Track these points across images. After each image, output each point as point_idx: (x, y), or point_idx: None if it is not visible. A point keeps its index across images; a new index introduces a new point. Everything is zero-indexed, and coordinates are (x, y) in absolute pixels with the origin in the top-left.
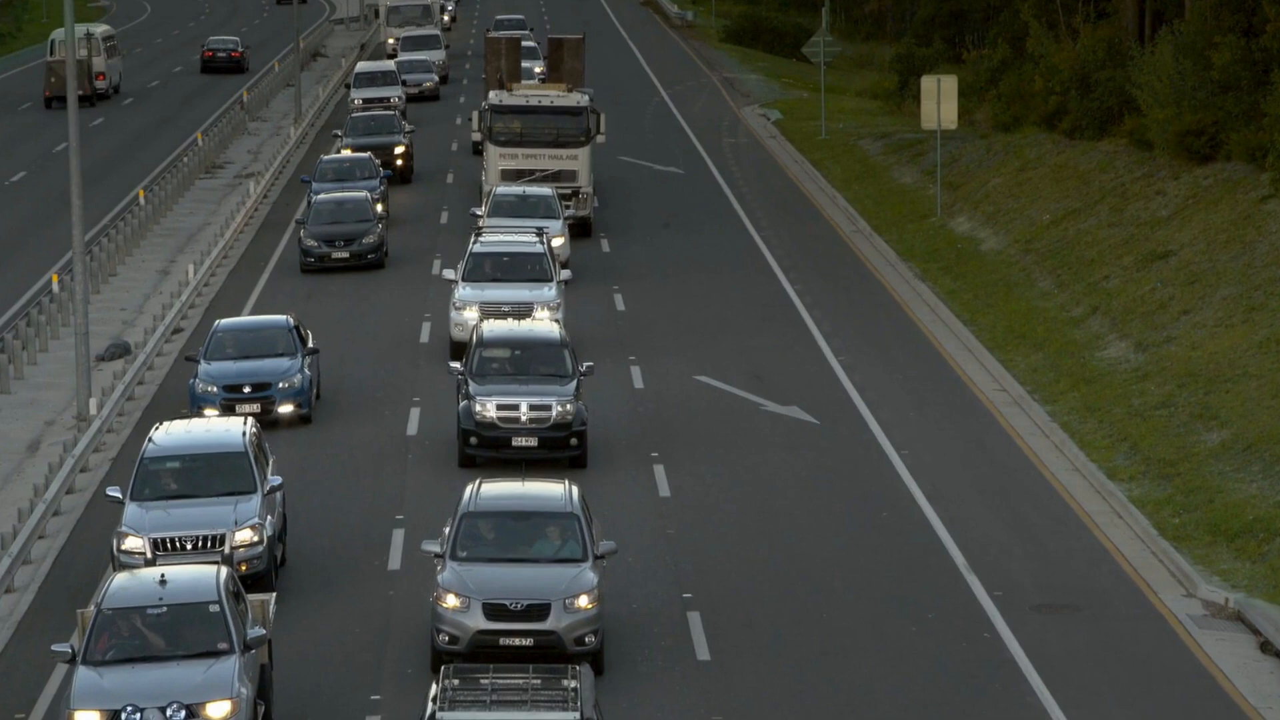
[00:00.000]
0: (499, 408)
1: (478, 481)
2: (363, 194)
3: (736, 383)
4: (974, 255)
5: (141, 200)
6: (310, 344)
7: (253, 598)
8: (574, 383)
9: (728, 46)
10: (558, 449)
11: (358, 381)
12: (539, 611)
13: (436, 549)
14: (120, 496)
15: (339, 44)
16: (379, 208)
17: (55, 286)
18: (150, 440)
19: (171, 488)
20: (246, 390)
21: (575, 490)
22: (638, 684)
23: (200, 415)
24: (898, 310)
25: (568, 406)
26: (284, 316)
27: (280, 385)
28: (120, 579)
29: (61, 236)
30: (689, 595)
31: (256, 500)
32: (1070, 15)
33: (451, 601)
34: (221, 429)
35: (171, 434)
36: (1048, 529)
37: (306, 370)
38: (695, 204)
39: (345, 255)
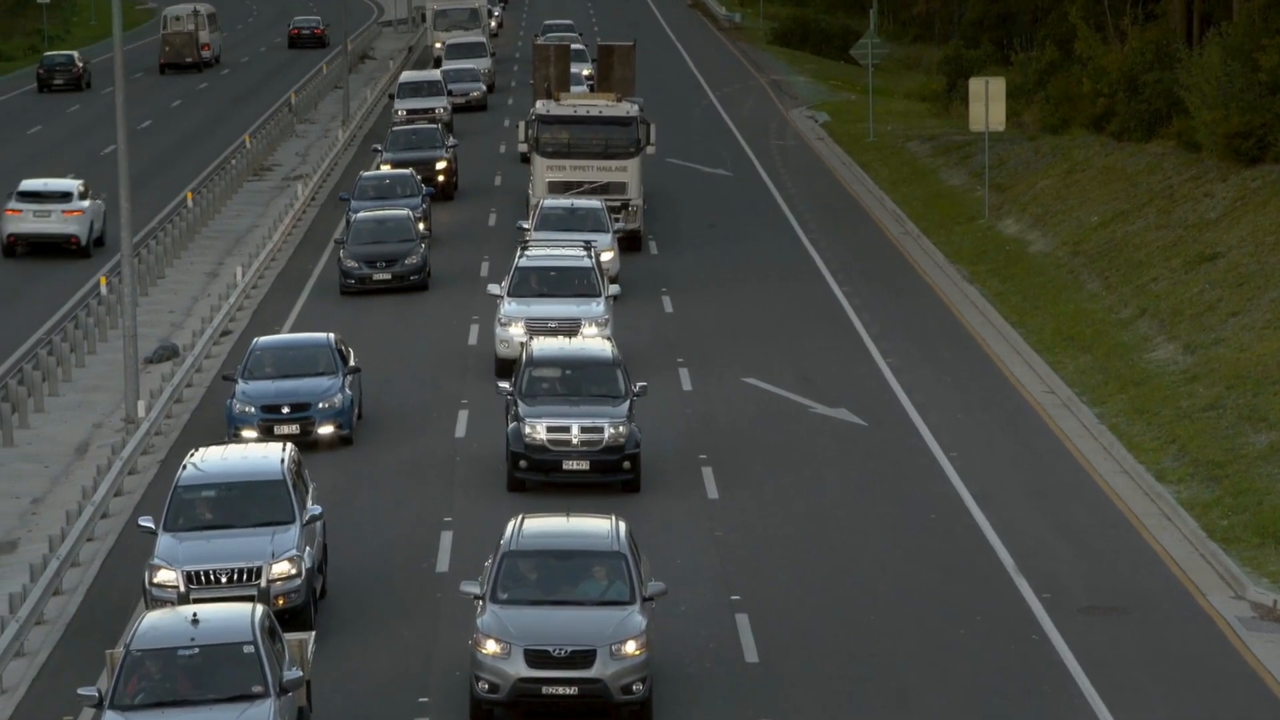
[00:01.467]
0: (549, 430)
1: (520, 518)
2: (405, 212)
3: (785, 385)
4: (1022, 257)
5: (190, 202)
6: (352, 362)
7: (290, 637)
8: (627, 403)
9: (775, 48)
10: (610, 473)
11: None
12: (584, 658)
13: (476, 590)
14: (152, 527)
15: (387, 46)
16: (421, 226)
17: (103, 289)
18: (184, 467)
19: (206, 518)
20: (285, 411)
21: (623, 527)
22: (686, 686)
23: (237, 437)
24: (946, 312)
25: (620, 428)
26: (325, 334)
27: (320, 405)
28: (150, 618)
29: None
30: (737, 597)
31: (295, 531)
32: (1118, 17)
33: (491, 647)
34: (259, 456)
35: (207, 461)
36: (1096, 531)
37: (348, 390)
38: (743, 206)
39: (387, 277)
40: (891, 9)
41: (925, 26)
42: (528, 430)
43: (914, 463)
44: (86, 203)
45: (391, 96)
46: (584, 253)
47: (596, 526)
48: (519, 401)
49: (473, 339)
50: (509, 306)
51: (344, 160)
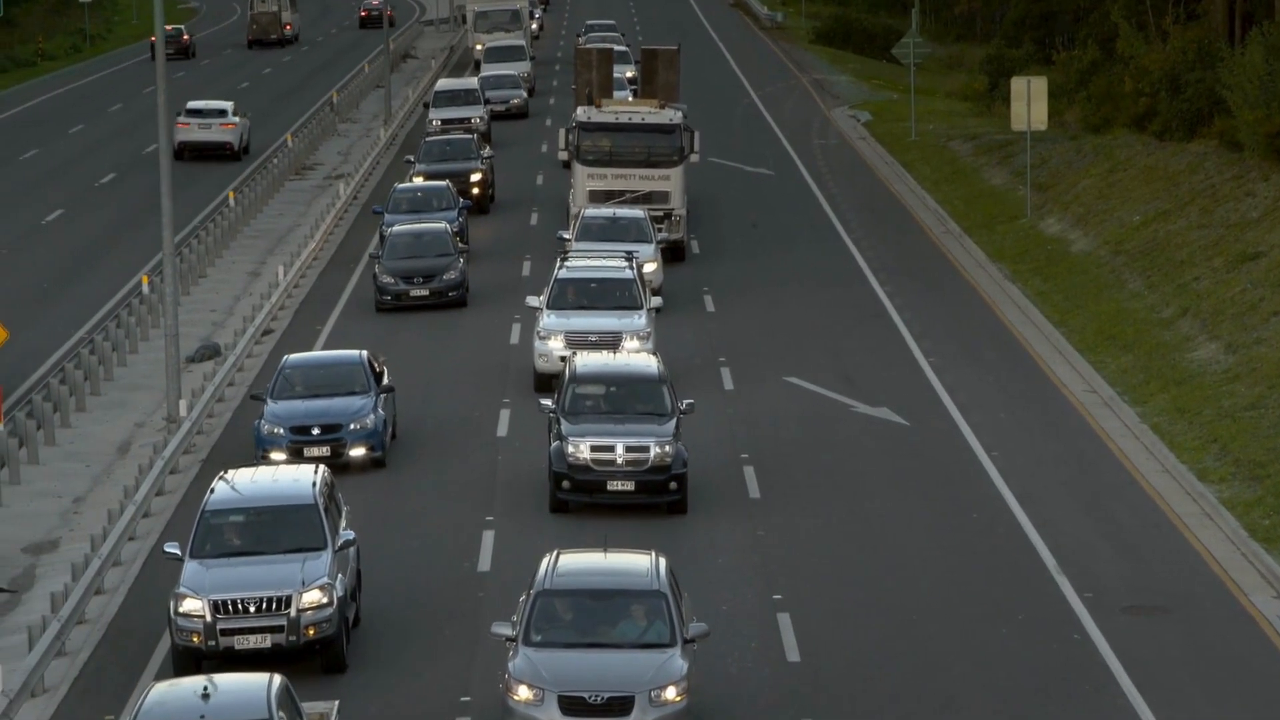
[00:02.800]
0: (593, 449)
1: (554, 553)
2: (442, 225)
3: (827, 384)
4: (1064, 257)
5: (231, 202)
6: (385, 381)
7: (310, 708)
8: (673, 421)
9: (817, 48)
10: (656, 494)
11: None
12: (621, 705)
13: (508, 632)
14: (178, 553)
15: (429, 45)
16: (459, 241)
17: (145, 288)
18: (212, 491)
19: (234, 544)
20: (315, 432)
21: (663, 563)
22: (728, 685)
23: (265, 459)
24: (988, 311)
25: (667, 448)
26: (357, 351)
27: (352, 426)
28: (157, 692)
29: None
30: (779, 596)
31: (326, 558)
32: (1160, 17)
33: (523, 693)
34: (289, 479)
35: (235, 484)
36: (1138, 531)
37: (380, 410)
38: (785, 205)
39: (424, 293)
40: (933, 8)
41: (967, 26)
42: (570, 449)
43: (956, 462)
44: (237, 119)
45: (426, 105)
46: (625, 264)
47: (635, 563)
48: (562, 419)
49: (514, 338)
50: (548, 319)
51: (385, 159)
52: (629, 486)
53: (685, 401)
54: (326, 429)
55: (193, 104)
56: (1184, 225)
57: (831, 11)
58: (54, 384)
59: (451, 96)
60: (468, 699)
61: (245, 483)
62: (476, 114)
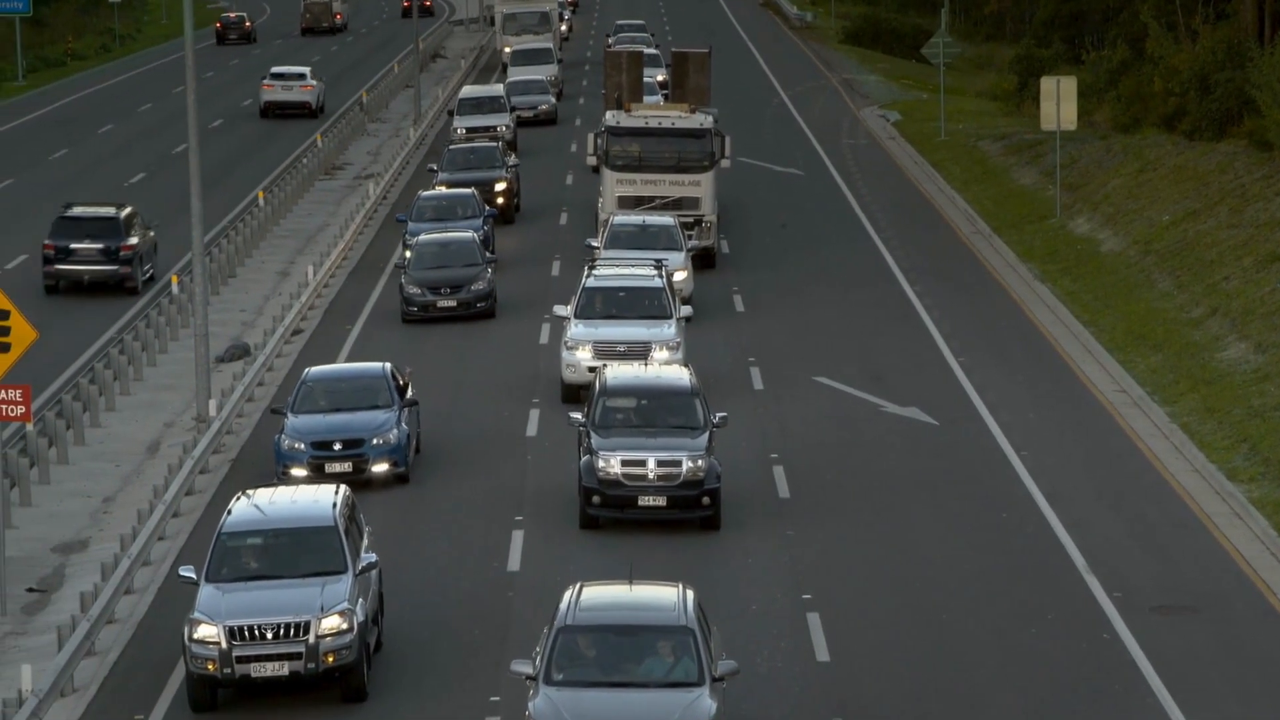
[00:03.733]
0: (624, 463)
1: (577, 586)
2: (470, 235)
3: (856, 384)
4: (1093, 256)
5: (261, 201)
6: (409, 394)
7: None
8: (706, 435)
9: (847, 48)
10: (689, 510)
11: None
12: None
13: (528, 670)
14: (194, 577)
15: (458, 45)
16: (489, 252)
17: (175, 288)
18: (228, 512)
19: (251, 567)
20: (337, 447)
21: (690, 597)
22: (757, 684)
23: (285, 475)
24: (1017, 311)
25: (699, 462)
26: (380, 364)
27: (374, 441)
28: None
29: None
30: (808, 596)
31: (347, 581)
32: (1189, 16)
33: None
34: (309, 500)
35: (253, 505)
36: (1167, 530)
37: (404, 425)
38: (814, 205)
39: (452, 304)
40: (963, 8)
41: (996, 25)
42: (601, 464)
43: (985, 462)
44: (314, 81)
45: (450, 113)
46: (654, 272)
47: (662, 597)
48: (592, 433)
49: (544, 338)
50: (576, 329)
51: (415, 159)
52: (661, 502)
53: (718, 414)
54: (348, 444)
55: (275, 69)
56: (1213, 225)
57: (861, 11)
58: (83, 384)
59: (476, 104)
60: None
61: (263, 504)
62: (502, 122)
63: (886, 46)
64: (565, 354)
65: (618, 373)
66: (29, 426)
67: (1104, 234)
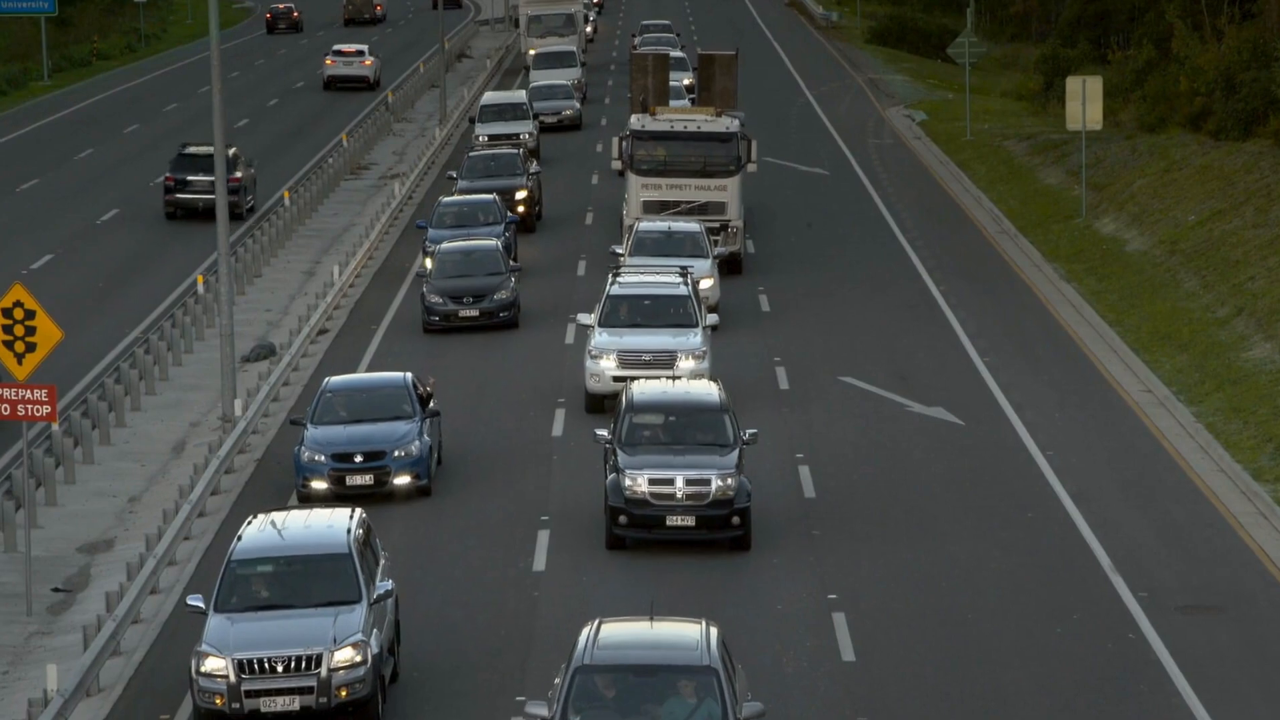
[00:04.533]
0: (651, 482)
1: (595, 624)
2: (493, 243)
3: (881, 383)
4: (1119, 256)
5: (287, 201)
6: (432, 404)
7: None
8: (736, 452)
9: (872, 47)
10: (718, 530)
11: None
12: None
13: (543, 712)
14: (202, 606)
15: (484, 45)
16: (512, 261)
17: (200, 288)
18: (238, 538)
19: (262, 596)
20: (358, 460)
21: (714, 634)
22: (783, 685)
23: (306, 487)
24: (1043, 311)
25: (729, 480)
26: (401, 374)
27: (396, 454)
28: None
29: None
30: (834, 596)
31: (360, 612)
32: (1215, 16)
33: None
34: (323, 525)
35: (264, 531)
36: (1193, 530)
37: (426, 436)
38: (840, 205)
39: (474, 313)
40: (989, 8)
41: (1022, 25)
42: (627, 482)
43: (1010, 461)
44: (372, 58)
45: (472, 120)
46: (680, 280)
47: (684, 635)
48: (618, 450)
49: (569, 338)
50: (600, 338)
51: (441, 159)
52: (689, 522)
53: (748, 431)
54: (370, 456)
55: (337, 46)
56: (1239, 225)
57: (887, 11)
58: (109, 384)
59: (498, 111)
60: None
61: (275, 529)
62: (525, 130)
63: (912, 46)
64: (589, 363)
65: (644, 388)
66: (54, 426)
67: (1129, 233)
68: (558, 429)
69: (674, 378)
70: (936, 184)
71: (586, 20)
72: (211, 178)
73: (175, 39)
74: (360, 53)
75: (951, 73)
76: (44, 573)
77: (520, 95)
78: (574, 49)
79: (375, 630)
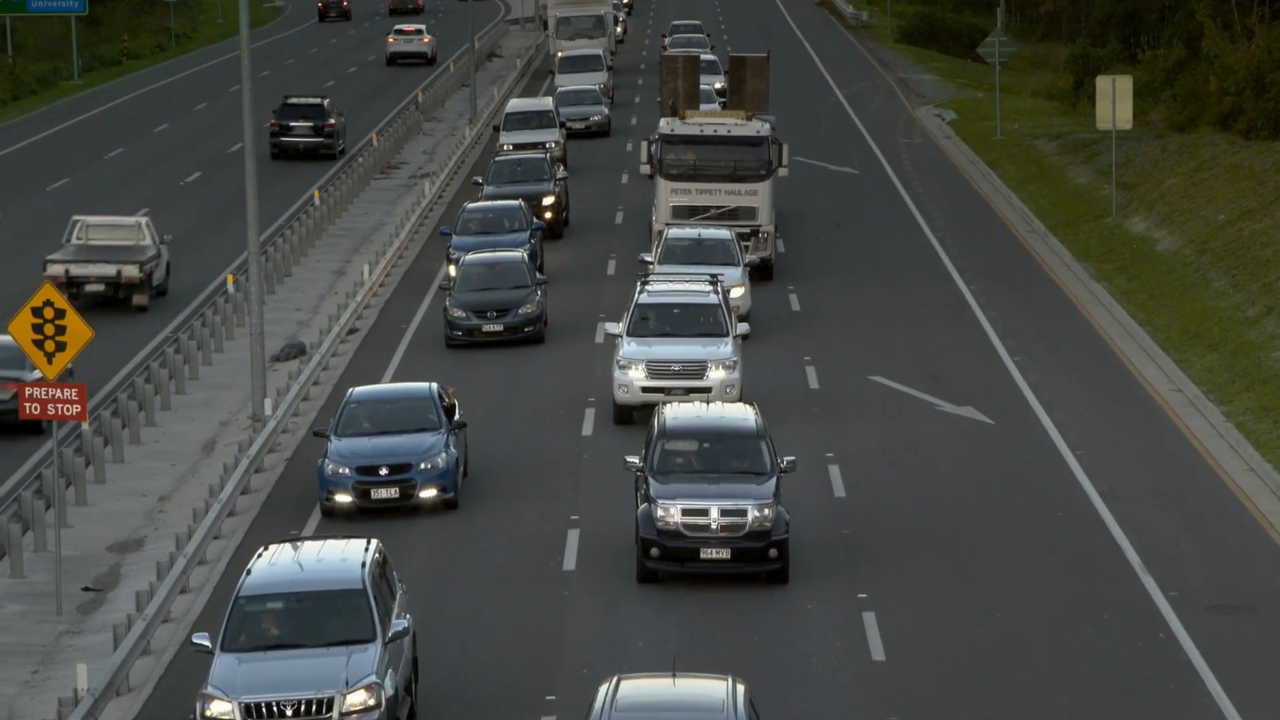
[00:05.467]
0: (684, 513)
1: (614, 681)
2: (519, 255)
3: (912, 383)
4: (1149, 255)
5: (316, 200)
6: (457, 415)
7: None
8: (773, 481)
9: (902, 47)
10: (755, 562)
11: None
12: None
13: None
14: (208, 645)
15: (514, 44)
16: (538, 273)
17: (230, 287)
18: (248, 573)
19: (272, 634)
20: (383, 472)
21: (741, 692)
22: (813, 684)
23: (330, 500)
24: (1073, 310)
25: (766, 511)
26: (427, 384)
27: (422, 466)
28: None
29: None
30: (864, 595)
31: (374, 652)
32: (1245, 15)
33: None
34: (336, 558)
35: (275, 565)
36: (1223, 529)
37: (452, 448)
38: (870, 204)
39: (498, 328)
40: (1019, 7)
41: (1052, 24)
42: (660, 513)
43: (1041, 461)
44: (429, 36)
45: (496, 129)
46: (709, 288)
47: (708, 693)
48: (650, 479)
49: (599, 337)
50: (628, 347)
51: (471, 158)
52: (724, 554)
53: (786, 458)
54: (395, 469)
55: (398, 25)
56: (1269, 224)
57: (917, 10)
58: (139, 383)
59: (524, 119)
60: None
61: (286, 563)
62: (551, 138)
63: (942, 45)
64: (617, 373)
65: (677, 413)
66: (85, 426)
67: (1159, 233)
68: (588, 428)
69: (706, 397)
70: (966, 183)
71: (616, 22)
72: (310, 123)
73: (206, 38)
74: (419, 31)
75: (981, 72)
76: (74, 572)
77: (546, 102)
78: (600, 52)
79: (390, 670)
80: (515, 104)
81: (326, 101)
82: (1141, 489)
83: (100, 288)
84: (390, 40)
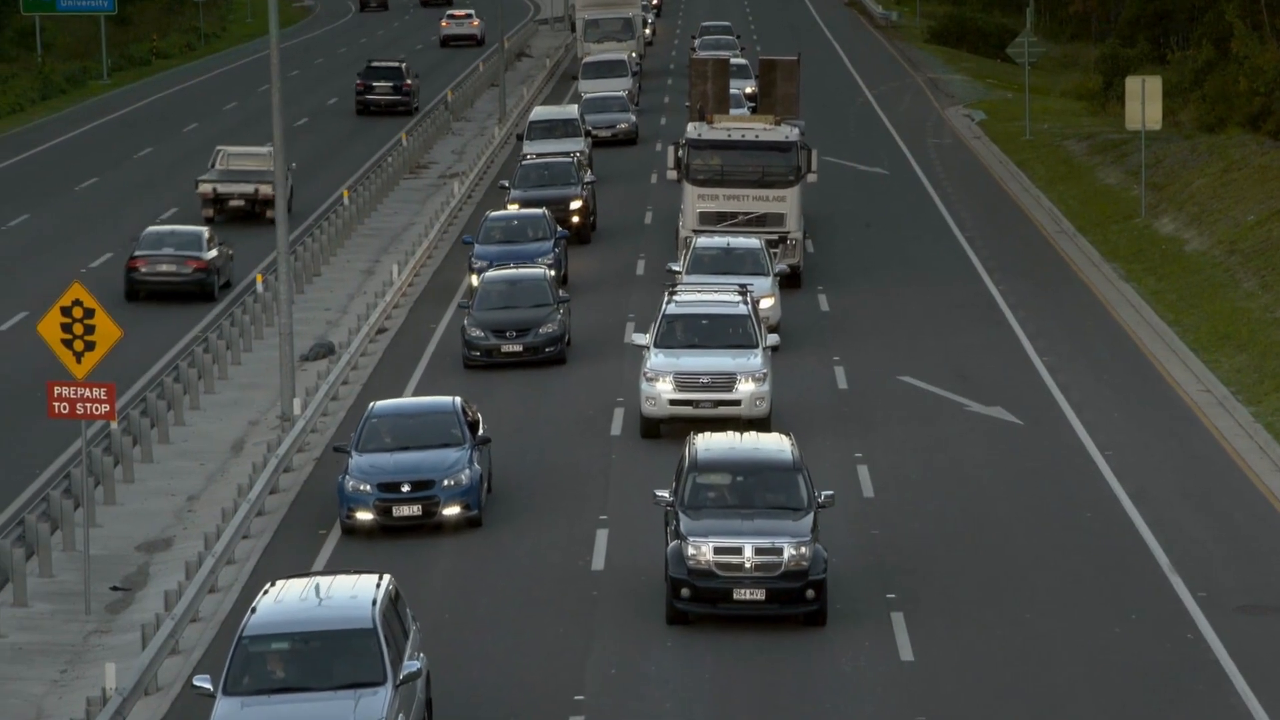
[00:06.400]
0: (717, 551)
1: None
2: (540, 271)
3: (940, 383)
4: (1178, 256)
5: (346, 200)
6: (481, 430)
7: None
8: (810, 517)
9: (932, 47)
10: (791, 604)
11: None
12: None
13: None
14: (209, 688)
15: (543, 44)
16: (559, 287)
17: (259, 286)
18: (253, 611)
19: (276, 677)
20: (405, 489)
21: None
22: (841, 684)
23: (350, 518)
24: (1102, 311)
25: (803, 549)
26: (450, 398)
27: (445, 483)
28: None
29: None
30: (892, 595)
31: (385, 695)
32: (1275, 16)
33: None
34: (345, 595)
35: (282, 603)
36: (1252, 530)
37: (476, 464)
38: (899, 204)
39: (517, 349)
40: (1048, 7)
41: (1082, 25)
42: (690, 551)
43: (1069, 461)
44: (478, 19)
45: (519, 138)
46: (739, 298)
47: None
48: (680, 515)
49: (628, 335)
50: (656, 359)
51: (500, 158)
52: (759, 595)
53: (824, 493)
54: (418, 486)
55: (450, 11)
56: None
57: (946, 10)
58: (168, 382)
59: (548, 127)
60: None
61: (292, 600)
62: (577, 148)
63: (971, 46)
64: (644, 385)
65: (709, 444)
66: (113, 425)
67: (1189, 233)
68: (616, 427)
69: (735, 410)
70: (996, 184)
71: (645, 24)
72: (390, 83)
73: (235, 38)
74: (469, 15)
75: (1011, 72)
76: (102, 571)
77: (571, 110)
78: (624, 58)
79: (402, 715)
80: (539, 111)
81: (404, 64)
82: (1170, 490)
83: (240, 203)
84: (443, 24)
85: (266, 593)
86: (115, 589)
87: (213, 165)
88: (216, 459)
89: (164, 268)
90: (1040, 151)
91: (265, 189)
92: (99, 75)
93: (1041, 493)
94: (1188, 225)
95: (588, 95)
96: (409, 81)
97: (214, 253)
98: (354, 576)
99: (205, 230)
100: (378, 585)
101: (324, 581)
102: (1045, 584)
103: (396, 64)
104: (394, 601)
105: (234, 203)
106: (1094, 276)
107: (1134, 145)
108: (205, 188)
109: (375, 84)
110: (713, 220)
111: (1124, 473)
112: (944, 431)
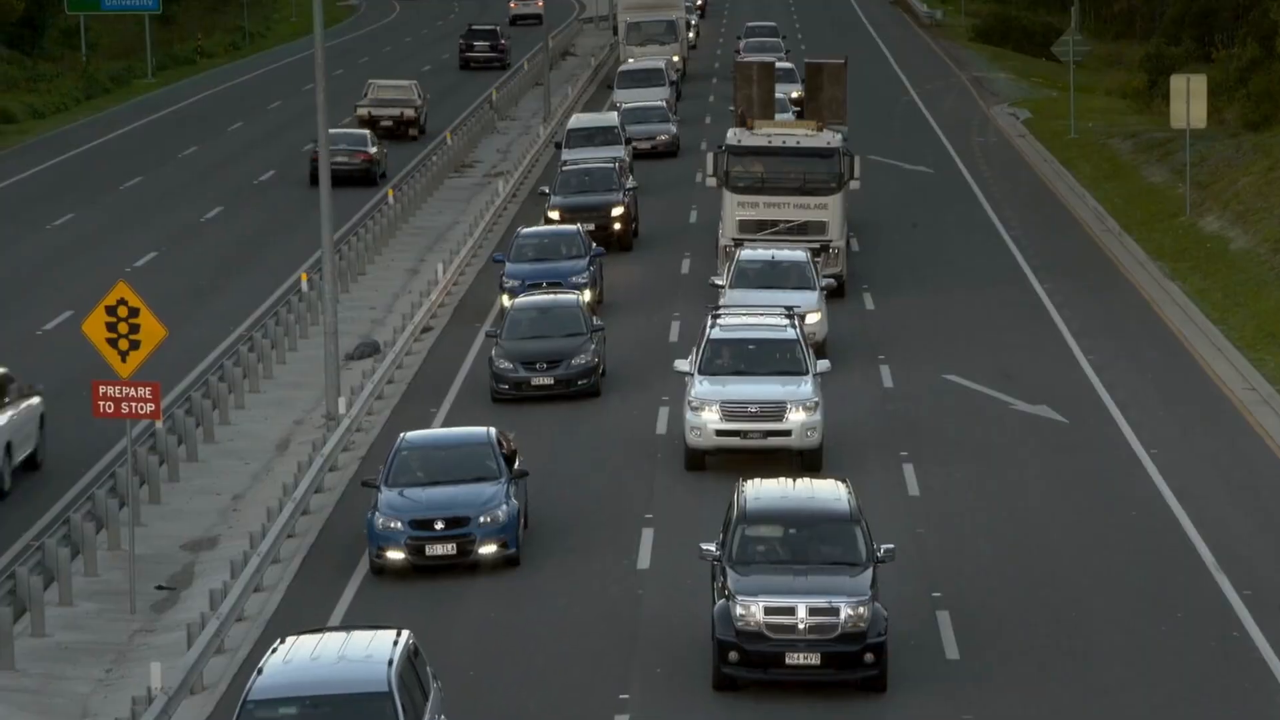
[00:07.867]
0: (767, 611)
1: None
2: (573, 298)
3: (986, 382)
4: (1223, 254)
5: (390, 199)
6: (518, 464)
7: None
8: (869, 573)
9: (977, 45)
10: (847, 669)
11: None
12: None
13: None
14: None
15: (588, 43)
16: (593, 313)
17: (304, 285)
18: (259, 672)
19: None
20: (439, 527)
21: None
22: (887, 682)
23: (381, 556)
24: (1147, 309)
25: (861, 609)
26: (484, 429)
27: (481, 520)
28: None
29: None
30: (938, 594)
31: None
32: None
33: None
34: (360, 654)
35: (290, 663)
36: None
37: (513, 499)
38: (944, 203)
39: (548, 381)
40: (1093, 6)
41: (1126, 23)
42: (739, 611)
43: (1115, 460)
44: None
45: (558, 145)
46: (786, 322)
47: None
48: (728, 570)
49: (673, 335)
50: (700, 387)
51: (544, 157)
52: (813, 660)
53: (884, 546)
54: (452, 523)
55: (514, 4)
56: None
57: (991, 9)
58: (213, 381)
59: (588, 135)
60: None
61: (302, 660)
62: (617, 155)
63: (1016, 44)
64: (689, 415)
65: (759, 492)
66: (159, 424)
67: (1234, 232)
68: (661, 426)
69: (785, 442)
70: (1041, 182)
71: (689, 26)
72: (487, 43)
73: (279, 37)
74: None
75: (1055, 71)
76: (148, 570)
77: (611, 118)
78: (662, 66)
79: None
80: (578, 119)
81: (499, 27)
82: (1215, 488)
83: (390, 124)
84: (512, 5)
85: (275, 651)
86: (160, 588)
87: (365, 95)
88: (261, 458)
89: (340, 159)
90: (1085, 150)
91: (408, 112)
92: (144, 74)
93: (1086, 491)
94: (1233, 223)
95: (626, 105)
96: (504, 41)
97: (375, 149)
98: (369, 633)
99: (369, 133)
100: (394, 643)
101: (336, 638)
102: (1090, 582)
103: (493, 27)
104: (412, 659)
105: (384, 123)
106: (1139, 275)
107: (1179, 144)
108: (362, 111)
109: (475, 43)
110: (753, 229)
111: (1169, 471)
112: (989, 430)
